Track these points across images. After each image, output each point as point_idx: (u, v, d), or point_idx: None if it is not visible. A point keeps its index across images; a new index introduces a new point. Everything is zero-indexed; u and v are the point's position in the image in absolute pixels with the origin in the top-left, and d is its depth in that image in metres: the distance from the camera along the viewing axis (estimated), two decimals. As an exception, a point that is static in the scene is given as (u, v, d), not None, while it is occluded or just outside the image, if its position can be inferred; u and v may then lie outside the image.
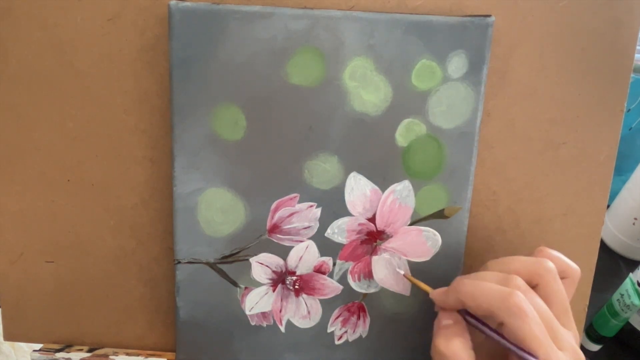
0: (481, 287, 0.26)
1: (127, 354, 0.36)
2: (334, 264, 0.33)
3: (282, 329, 0.34)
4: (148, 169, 0.34)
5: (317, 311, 0.34)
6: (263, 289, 0.34)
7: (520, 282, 0.26)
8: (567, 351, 0.25)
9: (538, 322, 0.25)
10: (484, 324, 0.27)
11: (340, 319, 0.34)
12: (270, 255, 0.33)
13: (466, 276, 0.29)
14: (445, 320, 0.28)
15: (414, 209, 0.32)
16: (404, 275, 0.33)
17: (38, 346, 0.37)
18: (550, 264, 0.27)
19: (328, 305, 0.34)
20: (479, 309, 0.26)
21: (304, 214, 0.32)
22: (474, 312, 0.27)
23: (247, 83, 0.30)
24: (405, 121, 0.31)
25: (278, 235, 0.33)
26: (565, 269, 0.28)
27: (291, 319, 0.34)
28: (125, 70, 0.32)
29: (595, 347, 0.52)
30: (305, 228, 0.33)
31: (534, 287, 0.27)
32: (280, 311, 0.34)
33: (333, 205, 0.32)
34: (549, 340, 0.25)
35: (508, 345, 0.26)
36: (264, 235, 0.33)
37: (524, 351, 0.25)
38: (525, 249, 0.35)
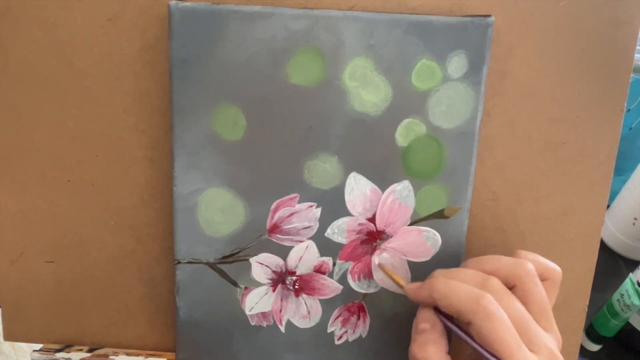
0: (453, 287, 0.26)
1: (127, 354, 0.36)
2: (334, 264, 0.33)
3: (282, 329, 0.34)
4: (148, 169, 0.34)
5: (317, 311, 0.34)
6: (263, 289, 0.34)
7: (496, 283, 0.26)
8: (541, 354, 0.25)
9: (506, 324, 0.25)
10: (454, 323, 0.27)
11: (340, 319, 0.34)
12: (270, 255, 0.33)
13: (443, 271, 0.29)
14: (422, 324, 0.28)
15: (414, 209, 0.32)
16: (379, 265, 0.33)
17: (38, 346, 0.37)
18: (529, 265, 0.27)
19: (328, 305, 0.34)
20: (449, 308, 0.26)
21: (304, 214, 0.32)
22: (445, 311, 0.27)
23: (247, 83, 0.30)
24: (405, 121, 0.31)
25: (278, 235, 0.33)
26: (544, 271, 0.28)
27: (291, 319, 0.34)
28: (125, 70, 0.32)
29: (595, 347, 0.52)
30: (305, 228, 0.33)
31: (511, 288, 0.27)
32: (280, 311, 0.34)
33: (333, 205, 0.32)
34: (517, 343, 0.24)
35: (476, 346, 0.26)
36: (264, 235, 0.33)
37: (490, 353, 0.25)
38: (525, 248, 0.35)
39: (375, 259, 0.33)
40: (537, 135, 0.33)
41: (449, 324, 0.28)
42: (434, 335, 0.27)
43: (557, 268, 0.29)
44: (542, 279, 0.28)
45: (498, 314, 0.25)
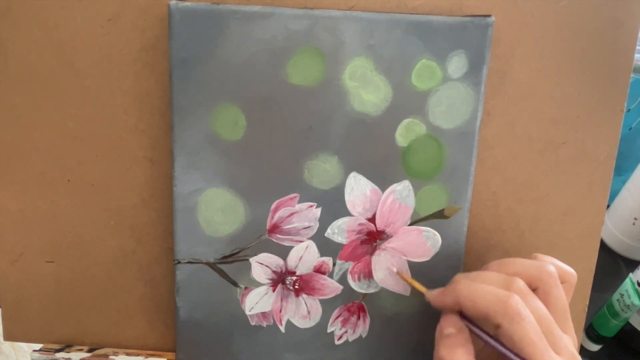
0: (479, 290, 0.26)
1: (127, 354, 0.36)
2: (334, 264, 0.33)
3: (282, 329, 0.34)
4: (148, 169, 0.34)
5: (317, 311, 0.34)
6: (263, 289, 0.34)
7: (521, 284, 0.26)
8: (564, 356, 0.25)
9: (535, 326, 0.25)
10: (479, 327, 0.27)
11: (340, 319, 0.34)
12: (270, 255, 0.33)
13: (465, 275, 0.29)
14: (447, 329, 0.28)
15: (414, 209, 0.32)
16: (397, 273, 0.33)
17: (38, 346, 0.37)
18: (552, 268, 0.27)
19: (328, 305, 0.34)
20: (476, 312, 0.26)
21: (304, 214, 0.32)
22: (471, 315, 0.27)
23: (247, 83, 0.30)
24: (405, 121, 0.31)
25: (278, 235, 0.33)
26: (562, 274, 0.28)
27: (291, 319, 0.34)
28: (125, 70, 0.32)
29: (595, 347, 0.52)
30: (305, 228, 0.33)
31: (533, 290, 0.27)
32: (280, 311, 0.34)
33: (333, 205, 0.32)
34: (545, 345, 0.24)
35: (503, 350, 0.25)
36: (264, 235, 0.33)
37: (519, 356, 0.25)
38: (525, 249, 0.35)
39: (393, 267, 0.33)
40: (537, 135, 0.33)
41: (474, 328, 0.27)
42: (461, 338, 0.27)
43: (573, 271, 0.29)
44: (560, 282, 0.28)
45: (526, 315, 0.25)
